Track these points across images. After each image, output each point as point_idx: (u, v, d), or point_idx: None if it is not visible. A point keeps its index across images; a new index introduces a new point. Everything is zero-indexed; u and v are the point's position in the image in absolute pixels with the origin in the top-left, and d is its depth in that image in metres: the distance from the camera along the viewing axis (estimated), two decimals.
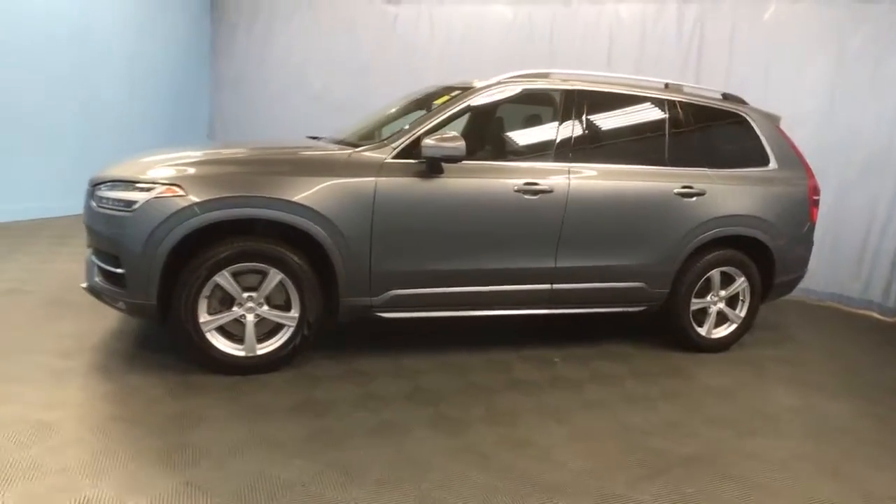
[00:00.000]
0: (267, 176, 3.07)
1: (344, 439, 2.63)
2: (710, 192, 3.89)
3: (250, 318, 3.12)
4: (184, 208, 2.91)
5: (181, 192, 2.92)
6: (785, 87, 5.69)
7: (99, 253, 3.13)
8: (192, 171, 3.03)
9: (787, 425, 3.17)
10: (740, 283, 4.10)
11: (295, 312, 3.17)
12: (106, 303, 3.16)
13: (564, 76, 3.82)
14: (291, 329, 3.18)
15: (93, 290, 3.19)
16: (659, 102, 3.97)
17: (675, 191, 3.81)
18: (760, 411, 3.30)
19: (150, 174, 3.02)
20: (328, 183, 3.12)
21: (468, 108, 3.54)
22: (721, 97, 4.29)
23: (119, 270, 2.99)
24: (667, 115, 3.94)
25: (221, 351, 3.08)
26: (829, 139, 5.56)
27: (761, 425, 3.13)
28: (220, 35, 8.24)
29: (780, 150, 4.24)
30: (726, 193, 3.95)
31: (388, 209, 3.21)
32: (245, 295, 3.10)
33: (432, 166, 3.29)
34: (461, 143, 3.19)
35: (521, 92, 3.68)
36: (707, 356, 4.05)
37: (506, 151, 3.93)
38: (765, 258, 4.13)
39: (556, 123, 3.69)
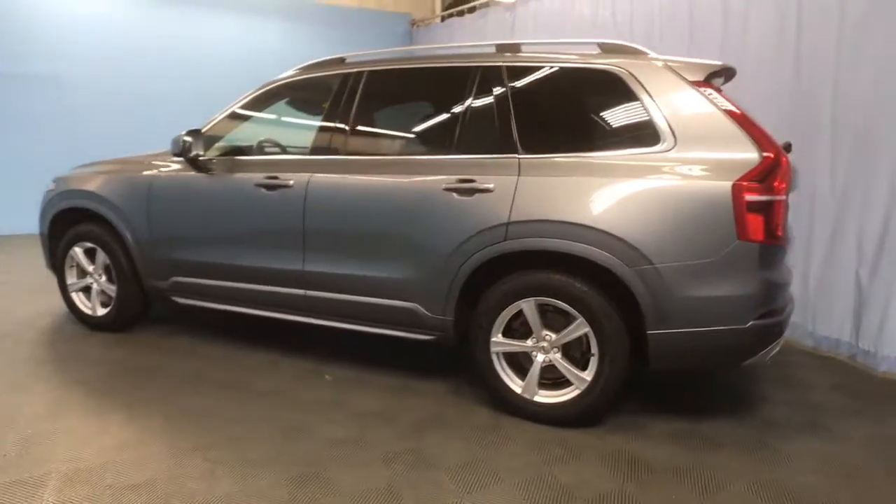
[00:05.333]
0: (94, 175, 3.87)
1: (75, 384, 3.21)
2: (502, 188, 2.74)
3: (95, 286, 3.98)
4: (51, 199, 4.00)
5: (54, 188, 4.02)
6: None
7: None
8: (70, 172, 4.09)
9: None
10: (576, 326, 2.69)
11: (114, 286, 3.87)
12: None
13: (357, 59, 3.33)
14: (115, 300, 3.89)
15: None
16: (461, 74, 3.00)
17: (445, 186, 2.84)
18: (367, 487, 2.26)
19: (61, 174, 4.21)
20: (125, 179, 3.72)
21: (251, 104, 3.54)
22: (598, 49, 2.88)
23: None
24: (469, 89, 2.95)
25: (79, 308, 4.04)
26: None
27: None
28: None
29: (686, 123, 2.58)
30: (535, 189, 2.69)
31: (157, 202, 3.59)
32: (91, 268, 3.97)
33: (192, 163, 3.49)
34: (177, 140, 3.32)
35: (302, 82, 3.43)
36: (523, 425, 2.81)
37: (274, 145, 3.64)
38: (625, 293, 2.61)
39: (321, 112, 3.29)
